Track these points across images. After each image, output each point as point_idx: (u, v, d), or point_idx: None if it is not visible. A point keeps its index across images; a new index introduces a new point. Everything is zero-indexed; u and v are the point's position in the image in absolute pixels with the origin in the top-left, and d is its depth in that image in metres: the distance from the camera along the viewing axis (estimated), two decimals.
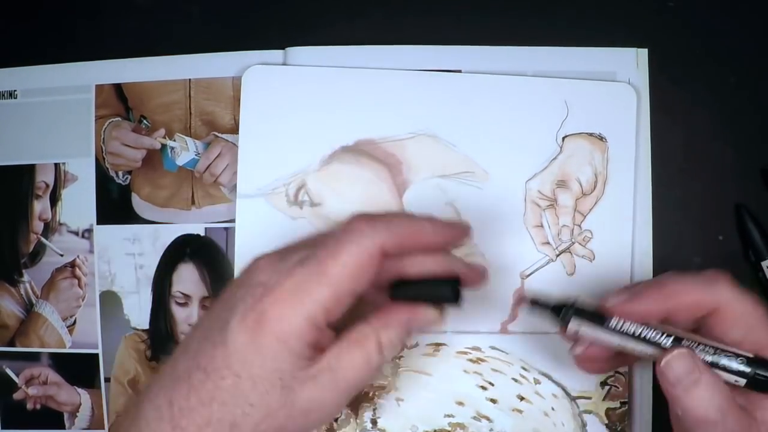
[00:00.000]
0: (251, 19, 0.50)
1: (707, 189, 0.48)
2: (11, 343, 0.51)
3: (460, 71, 0.48)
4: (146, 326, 0.50)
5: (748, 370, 0.35)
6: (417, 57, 0.48)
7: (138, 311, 0.50)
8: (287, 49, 0.49)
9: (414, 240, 0.37)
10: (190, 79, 0.50)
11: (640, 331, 0.37)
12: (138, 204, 0.50)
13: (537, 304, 0.39)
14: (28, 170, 0.51)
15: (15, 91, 0.51)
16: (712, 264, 0.48)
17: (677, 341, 0.36)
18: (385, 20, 0.49)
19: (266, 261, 0.37)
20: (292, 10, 0.50)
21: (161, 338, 0.50)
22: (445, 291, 0.38)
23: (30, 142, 0.51)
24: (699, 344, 0.36)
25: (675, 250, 0.48)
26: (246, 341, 0.35)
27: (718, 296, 0.37)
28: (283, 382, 0.35)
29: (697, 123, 0.48)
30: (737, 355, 0.35)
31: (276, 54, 0.49)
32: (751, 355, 0.35)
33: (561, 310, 0.38)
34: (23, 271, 0.51)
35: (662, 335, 0.36)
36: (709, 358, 0.36)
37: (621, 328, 0.37)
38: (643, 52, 0.48)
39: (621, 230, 0.47)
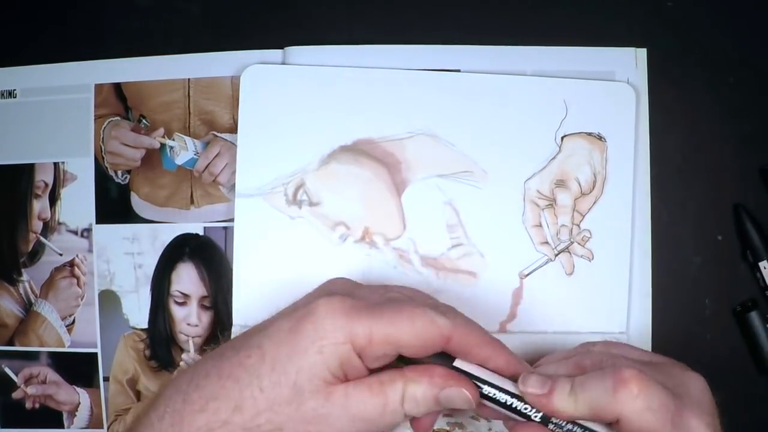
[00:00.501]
0: (250, 19, 0.50)
1: (706, 189, 0.48)
2: (10, 343, 0.51)
3: (459, 71, 0.48)
4: (145, 325, 0.50)
5: None
6: (416, 56, 0.48)
7: (137, 310, 0.50)
8: (286, 48, 0.49)
9: (481, 355, 0.37)
10: (189, 79, 0.50)
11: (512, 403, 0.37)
12: (137, 203, 0.50)
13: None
14: (28, 169, 0.51)
15: (14, 90, 0.51)
16: (711, 264, 0.48)
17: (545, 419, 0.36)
18: (385, 20, 0.49)
19: (346, 281, 0.39)
20: (292, 10, 0.50)
21: (160, 337, 0.50)
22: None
23: (29, 142, 0.51)
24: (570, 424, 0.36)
25: (674, 250, 0.48)
26: (287, 328, 0.36)
27: (620, 408, 0.35)
28: (297, 382, 0.35)
29: (696, 123, 0.48)
30: None
31: (275, 53, 0.49)
32: None
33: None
34: (22, 270, 0.51)
35: (532, 410, 0.36)
36: None
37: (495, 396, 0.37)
38: (642, 52, 0.48)
39: (620, 230, 0.47)
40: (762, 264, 0.47)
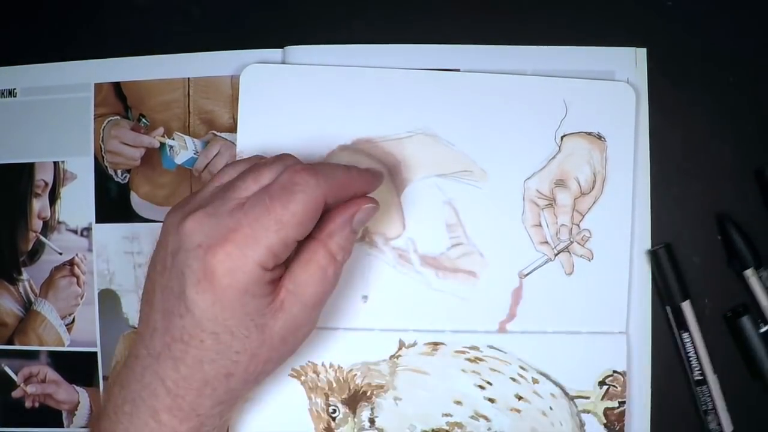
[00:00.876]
0: (250, 18, 0.50)
1: (706, 188, 0.48)
2: (10, 342, 0.51)
3: (458, 70, 0.48)
4: None
5: None
6: (415, 56, 0.48)
7: (136, 310, 0.50)
8: (286, 47, 0.49)
9: (346, 190, 0.40)
10: (188, 78, 0.50)
11: None
12: (137, 202, 0.50)
13: None
14: (28, 168, 0.51)
15: (14, 89, 0.51)
16: (710, 263, 0.48)
17: None
18: (384, 19, 0.49)
19: (193, 222, 0.38)
20: (291, 10, 0.50)
21: None
22: None
23: (29, 141, 0.51)
24: None
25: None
26: (209, 302, 0.36)
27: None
28: (255, 321, 0.37)
29: (696, 122, 0.48)
30: None
31: (275, 53, 0.49)
32: None
33: None
34: (22, 269, 0.51)
35: None
36: None
37: None
38: (642, 52, 0.48)
39: (619, 229, 0.47)
40: (747, 273, 0.47)
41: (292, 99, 0.48)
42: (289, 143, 0.48)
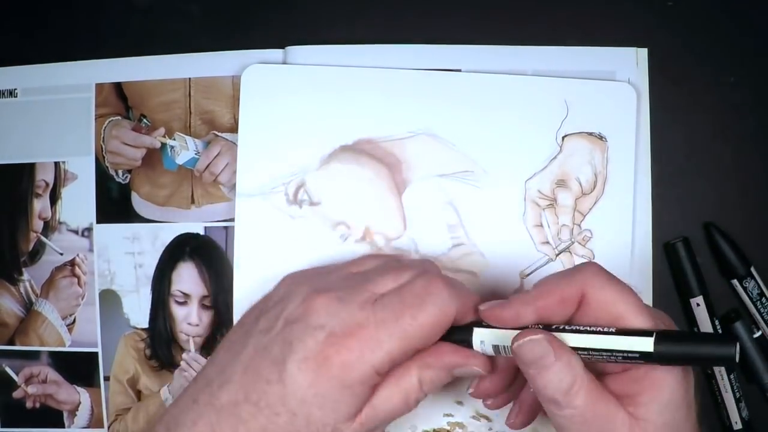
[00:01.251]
0: (251, 19, 0.50)
1: (707, 188, 0.48)
2: (11, 342, 0.51)
3: (459, 70, 0.48)
4: (145, 325, 0.50)
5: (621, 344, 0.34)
6: (417, 56, 0.48)
7: (137, 310, 0.50)
8: (287, 48, 0.49)
9: (469, 315, 0.38)
10: (189, 78, 0.50)
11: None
12: (138, 203, 0.50)
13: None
14: (28, 169, 0.51)
15: (15, 89, 0.51)
16: (710, 263, 0.48)
17: (547, 327, 0.36)
18: (386, 20, 0.49)
19: (323, 301, 0.37)
20: (293, 9, 0.50)
21: (160, 337, 0.50)
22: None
23: (30, 141, 0.51)
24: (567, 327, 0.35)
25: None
26: (308, 383, 0.35)
27: (581, 285, 0.36)
28: (335, 424, 0.36)
29: (697, 122, 0.48)
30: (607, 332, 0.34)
31: (276, 53, 0.49)
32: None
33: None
34: (23, 269, 0.51)
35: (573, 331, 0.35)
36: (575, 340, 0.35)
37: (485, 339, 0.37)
38: (643, 52, 0.48)
39: (621, 229, 0.47)
40: (734, 282, 0.47)
41: (293, 99, 0.48)
42: (290, 143, 0.48)
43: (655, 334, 0.33)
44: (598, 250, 0.47)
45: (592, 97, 0.47)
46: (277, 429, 0.36)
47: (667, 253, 0.47)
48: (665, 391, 0.34)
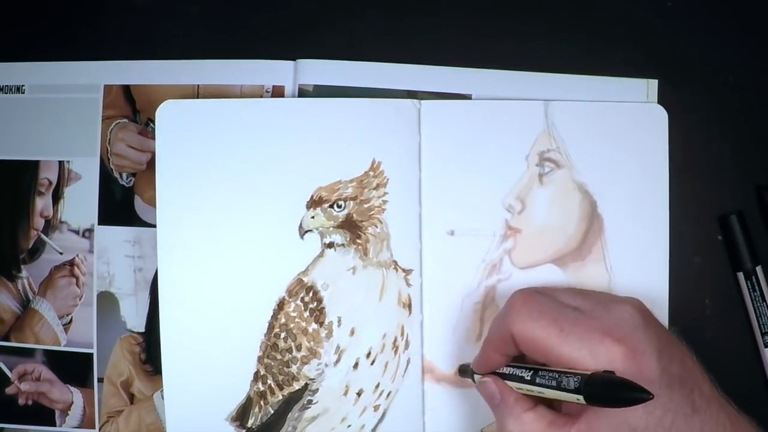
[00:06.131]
0: (262, 28, 0.50)
1: (706, 188, 0.48)
2: (6, 338, 0.51)
3: (470, 96, 0.48)
4: (142, 329, 0.50)
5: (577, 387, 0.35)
6: (427, 77, 0.48)
7: (135, 314, 0.50)
8: (298, 61, 0.49)
9: None
10: (198, 85, 0.50)
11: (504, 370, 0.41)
12: (140, 206, 0.50)
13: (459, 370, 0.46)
14: (32, 166, 0.51)
15: (23, 86, 0.51)
16: (710, 263, 0.48)
17: (535, 372, 0.38)
18: (395, 38, 0.49)
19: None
20: (303, 23, 0.50)
21: (157, 342, 0.50)
22: None
23: (35, 138, 0.51)
24: (543, 371, 0.38)
25: (674, 250, 0.48)
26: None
27: (507, 325, 0.39)
28: None
29: (696, 123, 0.48)
30: (574, 375, 0.36)
31: (286, 64, 0.49)
32: (588, 373, 0.35)
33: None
34: (22, 266, 0.51)
35: (522, 370, 0.39)
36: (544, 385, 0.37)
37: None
38: (654, 84, 0.48)
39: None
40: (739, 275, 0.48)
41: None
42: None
43: (584, 386, 0.35)
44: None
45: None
46: None
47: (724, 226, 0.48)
48: (610, 413, 0.36)
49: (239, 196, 0.46)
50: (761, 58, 0.48)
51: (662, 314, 0.47)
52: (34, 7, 0.51)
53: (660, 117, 0.47)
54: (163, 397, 0.50)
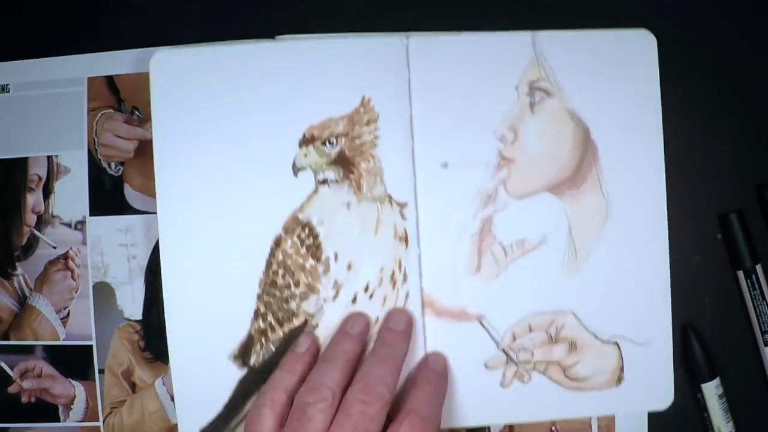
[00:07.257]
0: (245, 13, 0.50)
1: (706, 187, 0.48)
2: (5, 337, 0.51)
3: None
4: (139, 317, 0.50)
5: None
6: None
7: (131, 302, 0.50)
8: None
9: None
10: None
11: None
12: (130, 194, 0.50)
13: None
14: (21, 163, 0.51)
15: (7, 85, 0.51)
16: (710, 262, 0.48)
17: None
18: (385, 12, 0.49)
19: None
20: (285, 7, 0.50)
21: (154, 329, 0.50)
22: None
23: (22, 136, 0.51)
24: None
25: (674, 248, 0.47)
26: None
27: None
28: None
29: (696, 121, 0.48)
30: None
31: None
32: None
33: None
34: (16, 264, 0.51)
35: None
36: None
37: None
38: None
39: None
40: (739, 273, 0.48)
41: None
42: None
43: None
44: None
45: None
46: None
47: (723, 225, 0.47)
48: None
49: (233, 139, 0.46)
50: (761, 57, 0.48)
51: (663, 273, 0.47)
52: (15, 3, 0.52)
53: (648, 42, 0.46)
54: (164, 384, 0.50)
